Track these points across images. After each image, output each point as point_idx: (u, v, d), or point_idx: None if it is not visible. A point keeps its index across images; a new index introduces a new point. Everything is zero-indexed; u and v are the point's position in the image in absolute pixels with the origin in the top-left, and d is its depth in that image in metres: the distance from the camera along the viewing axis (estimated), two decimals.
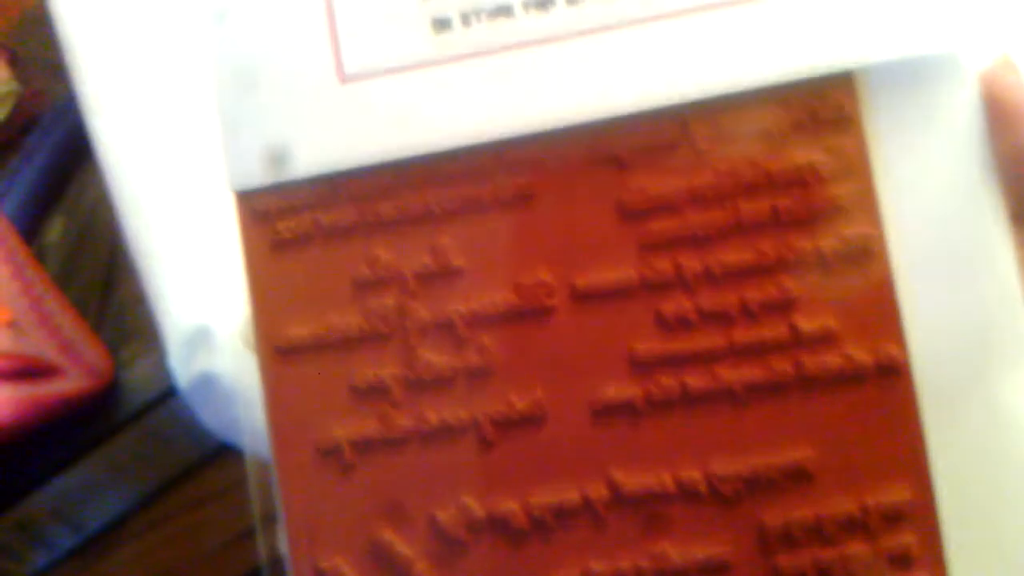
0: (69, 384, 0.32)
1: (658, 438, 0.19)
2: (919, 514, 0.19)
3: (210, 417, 0.26)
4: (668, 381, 0.19)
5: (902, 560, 0.19)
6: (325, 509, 0.20)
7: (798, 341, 0.19)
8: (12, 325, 0.32)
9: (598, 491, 0.19)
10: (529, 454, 0.19)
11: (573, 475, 0.19)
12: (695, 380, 0.19)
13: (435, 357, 0.19)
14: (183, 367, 0.25)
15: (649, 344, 0.19)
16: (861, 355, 0.19)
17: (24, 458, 0.33)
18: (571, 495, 0.19)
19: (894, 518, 0.19)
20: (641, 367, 0.19)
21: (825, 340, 0.19)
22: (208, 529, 0.34)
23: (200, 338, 0.25)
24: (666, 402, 0.19)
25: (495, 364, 0.19)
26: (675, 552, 0.19)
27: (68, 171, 0.38)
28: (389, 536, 0.19)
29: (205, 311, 0.25)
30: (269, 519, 0.21)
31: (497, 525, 0.19)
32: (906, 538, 0.19)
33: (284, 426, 0.20)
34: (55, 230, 0.37)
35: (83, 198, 0.37)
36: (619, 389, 0.19)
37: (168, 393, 0.34)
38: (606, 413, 0.19)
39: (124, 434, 0.34)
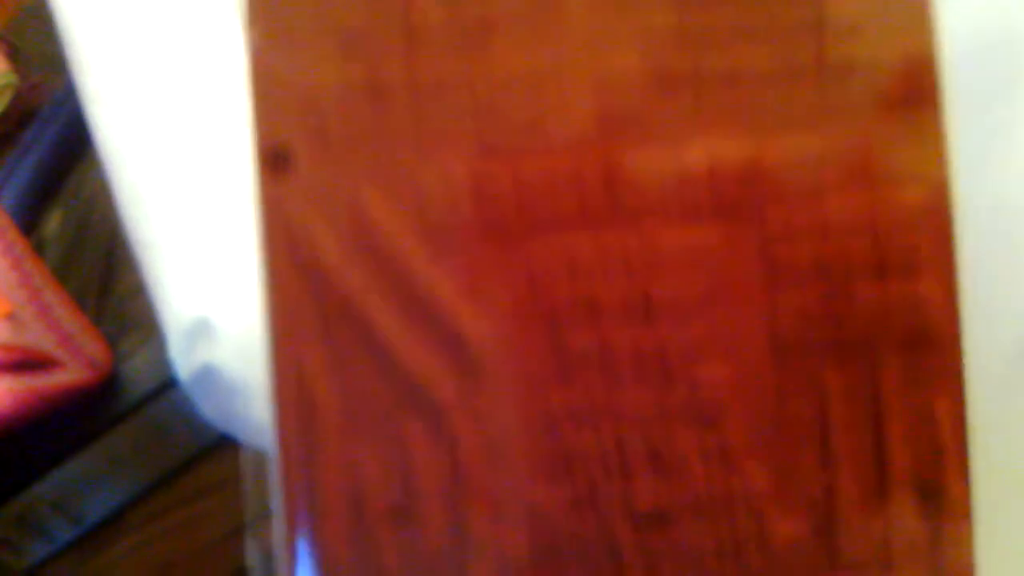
0: (68, 376, 0.32)
1: (664, 116, 0.18)
2: (932, 217, 0.18)
3: (211, 409, 0.26)
4: (681, 58, 0.18)
5: (909, 267, 0.18)
6: (312, 184, 0.18)
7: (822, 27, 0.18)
8: (11, 317, 0.32)
9: (593, 169, 0.19)
10: (524, 122, 0.18)
11: (567, 144, 0.18)
12: (710, 60, 0.18)
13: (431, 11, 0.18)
14: (184, 359, 0.25)
15: (665, 18, 0.18)
16: (886, 52, 0.18)
17: (23, 450, 0.33)
18: (564, 166, 0.18)
19: (905, 218, 0.18)
20: (655, 40, 0.18)
21: (851, 31, 0.18)
22: (207, 521, 0.34)
23: (201, 329, 0.25)
24: (676, 83, 0.18)
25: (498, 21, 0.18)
26: (667, 235, 0.18)
27: (66, 164, 0.38)
28: (365, 193, 0.18)
29: (206, 302, 0.25)
30: (264, 515, 0.20)
31: (482, 191, 0.18)
32: (915, 240, 0.18)
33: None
34: (54, 222, 0.37)
35: (81, 190, 0.37)
36: (626, 62, 0.18)
37: (167, 385, 0.34)
38: (613, 86, 0.18)
39: (123, 426, 0.34)
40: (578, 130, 0.18)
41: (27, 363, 0.32)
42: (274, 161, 0.19)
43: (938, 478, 0.18)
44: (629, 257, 0.18)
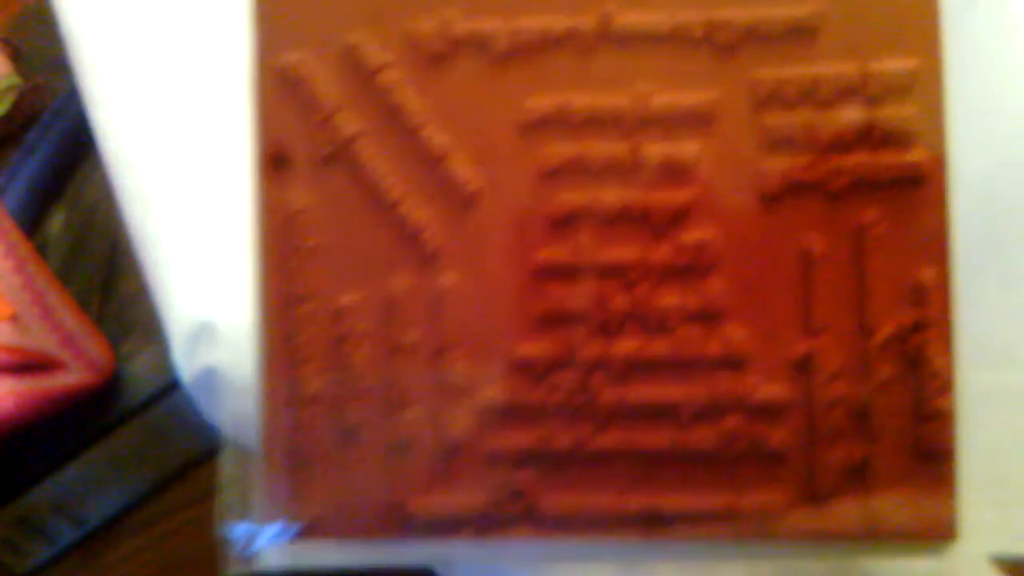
0: (71, 378, 0.32)
1: None
2: (923, 86, 0.18)
3: (215, 412, 0.26)
4: None
5: (899, 136, 0.18)
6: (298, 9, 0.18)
7: None
8: (14, 319, 0.32)
9: (589, 23, 0.18)
10: None
11: (566, 3, 0.18)
12: None
13: None
14: (187, 361, 0.25)
15: None
16: None
17: (25, 452, 0.33)
18: (559, 22, 0.18)
19: (896, 88, 0.18)
20: None
21: None
22: (209, 524, 0.34)
23: (205, 332, 0.25)
24: None
25: None
26: (658, 96, 0.18)
27: (69, 165, 0.38)
28: (362, 39, 0.18)
29: (210, 305, 0.25)
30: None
31: (478, 43, 0.18)
32: (905, 109, 0.18)
33: None
34: (56, 224, 0.37)
35: (84, 192, 0.37)
36: None
37: (170, 388, 0.33)
38: None
39: (125, 428, 0.34)
40: None
41: (30, 365, 0.32)
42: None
43: (921, 350, 0.18)
44: (621, 116, 0.19)
